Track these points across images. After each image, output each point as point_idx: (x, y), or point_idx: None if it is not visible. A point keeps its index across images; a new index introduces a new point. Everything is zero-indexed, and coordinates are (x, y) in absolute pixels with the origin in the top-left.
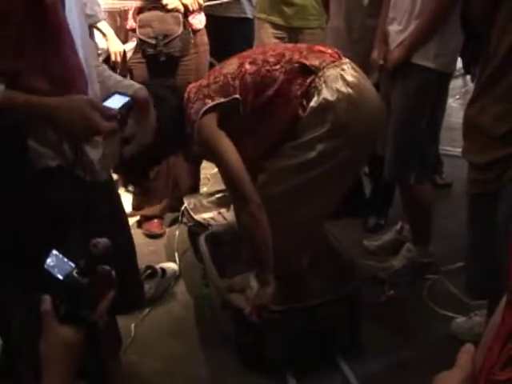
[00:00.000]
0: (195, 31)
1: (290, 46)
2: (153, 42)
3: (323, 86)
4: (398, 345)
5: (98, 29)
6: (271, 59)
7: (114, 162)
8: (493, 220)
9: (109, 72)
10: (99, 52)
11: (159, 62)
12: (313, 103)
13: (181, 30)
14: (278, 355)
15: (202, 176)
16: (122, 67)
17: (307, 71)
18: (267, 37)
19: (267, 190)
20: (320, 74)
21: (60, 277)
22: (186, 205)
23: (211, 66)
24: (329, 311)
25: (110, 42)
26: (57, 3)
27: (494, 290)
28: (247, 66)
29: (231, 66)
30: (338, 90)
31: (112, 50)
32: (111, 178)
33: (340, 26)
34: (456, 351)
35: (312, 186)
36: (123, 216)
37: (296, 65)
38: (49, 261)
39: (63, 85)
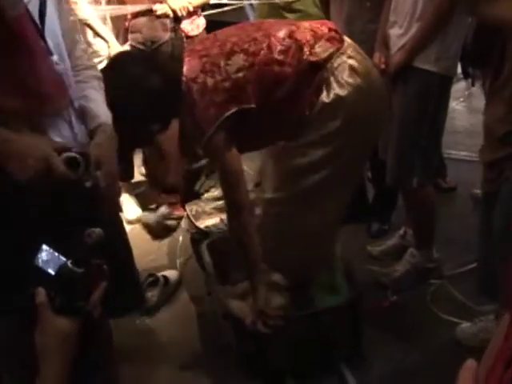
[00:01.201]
0: (190, 37)
1: (294, 29)
2: (141, 47)
3: (332, 79)
4: (402, 351)
5: (100, 36)
6: (279, 57)
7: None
8: None
9: (90, 92)
10: (101, 59)
11: None
12: (324, 98)
13: (167, 35)
14: (280, 364)
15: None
16: None
17: (316, 66)
18: None
19: (278, 195)
20: (328, 65)
21: (52, 272)
22: (188, 212)
23: None
24: (330, 319)
25: (111, 49)
26: (22, 17)
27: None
28: (257, 68)
29: (238, 65)
30: (347, 83)
31: None
32: None
33: (341, 31)
34: (461, 357)
35: (323, 188)
36: (119, 217)
37: (305, 62)
38: (40, 256)
39: (37, 98)
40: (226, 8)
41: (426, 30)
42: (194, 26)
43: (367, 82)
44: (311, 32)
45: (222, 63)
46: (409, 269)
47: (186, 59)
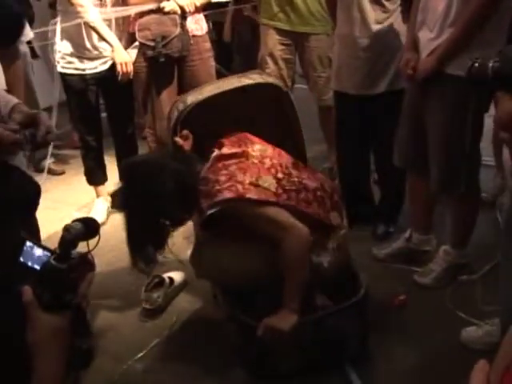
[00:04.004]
0: (195, 36)
1: (320, 187)
2: (151, 44)
3: (330, 245)
4: (409, 352)
5: (105, 40)
6: (305, 208)
7: None
8: None
9: None
10: (105, 59)
11: (159, 64)
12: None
13: (178, 30)
14: (285, 367)
15: None
16: (127, 76)
17: (326, 226)
18: (273, 43)
19: None
20: (332, 235)
21: (37, 267)
22: None
23: (218, 73)
24: (335, 321)
25: (116, 53)
26: None
27: None
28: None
29: (269, 184)
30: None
31: (118, 61)
32: None
33: (348, 33)
34: (466, 359)
35: None
36: None
37: (323, 221)
38: (24, 253)
39: None
40: (228, 8)
41: (460, 36)
42: (199, 27)
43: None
44: (332, 202)
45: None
46: (445, 267)
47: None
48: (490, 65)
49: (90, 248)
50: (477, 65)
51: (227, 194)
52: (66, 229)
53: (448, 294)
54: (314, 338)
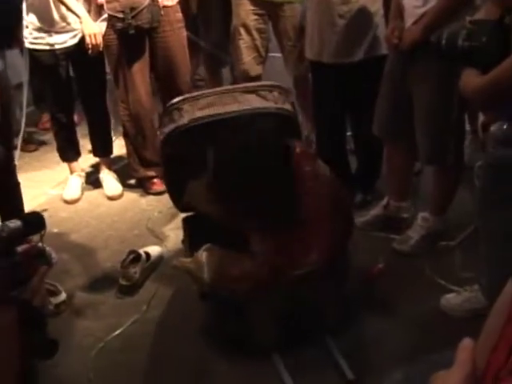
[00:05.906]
0: (165, 7)
1: None
2: (120, 15)
3: None
4: (388, 321)
5: (73, 11)
6: None
7: None
8: None
9: None
10: (75, 33)
11: (130, 36)
12: None
13: (147, 1)
14: (264, 340)
15: None
16: (97, 48)
17: None
18: (245, 14)
19: None
20: None
21: None
22: None
23: (189, 40)
24: (314, 288)
25: (84, 25)
26: None
27: None
28: None
29: None
30: None
31: (86, 33)
32: None
33: None
34: (447, 325)
35: None
36: None
37: None
38: None
39: None
40: None
41: (447, 6)
42: None
43: None
44: None
45: None
46: (424, 234)
47: None
48: (461, 37)
49: (40, 242)
50: (445, 36)
51: None
52: (1, 228)
53: (427, 261)
54: (289, 305)
